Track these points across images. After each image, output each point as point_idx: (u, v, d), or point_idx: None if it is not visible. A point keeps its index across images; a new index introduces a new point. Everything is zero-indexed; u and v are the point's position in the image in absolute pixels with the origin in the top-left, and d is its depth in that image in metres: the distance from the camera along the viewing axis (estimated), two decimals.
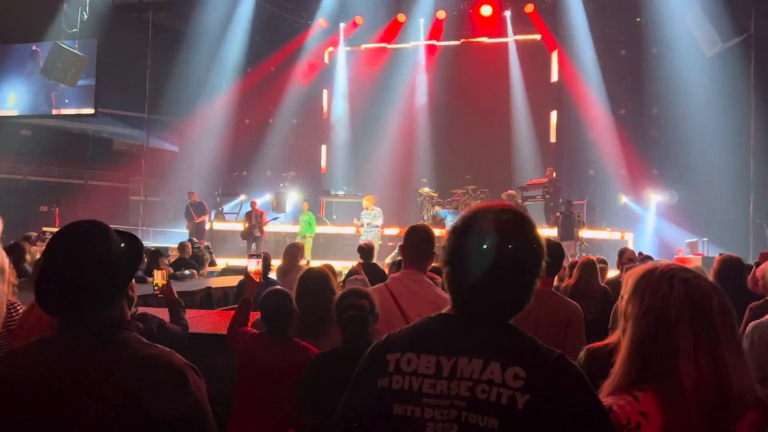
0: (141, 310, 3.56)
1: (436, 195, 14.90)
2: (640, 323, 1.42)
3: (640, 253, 8.06)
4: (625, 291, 1.48)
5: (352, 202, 16.13)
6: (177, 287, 4.10)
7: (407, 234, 3.02)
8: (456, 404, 1.28)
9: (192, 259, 8.97)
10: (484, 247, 1.35)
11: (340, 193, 16.49)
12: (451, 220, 12.45)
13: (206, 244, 11.54)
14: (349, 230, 13.94)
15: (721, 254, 4.29)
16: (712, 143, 13.09)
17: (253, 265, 3.24)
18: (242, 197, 14.62)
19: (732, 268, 4.03)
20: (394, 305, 2.91)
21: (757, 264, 4.05)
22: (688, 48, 12.55)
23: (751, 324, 2.89)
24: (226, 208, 14.93)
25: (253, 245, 12.70)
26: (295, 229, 13.89)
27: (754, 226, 11.52)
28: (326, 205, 15.84)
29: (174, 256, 9.49)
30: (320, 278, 3.27)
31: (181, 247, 8.99)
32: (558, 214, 12.26)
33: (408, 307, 3.06)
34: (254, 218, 13.10)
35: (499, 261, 1.34)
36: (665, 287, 1.41)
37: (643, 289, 1.44)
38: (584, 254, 10.96)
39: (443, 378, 1.31)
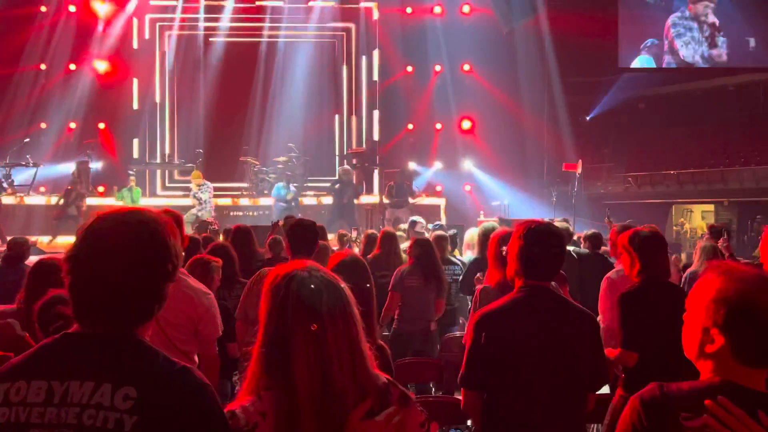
0: None
1: (258, 163, 14.57)
2: (265, 325, 1.46)
3: (441, 226, 8.51)
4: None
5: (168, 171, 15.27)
6: None
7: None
8: None
9: None
10: (100, 252, 1.29)
11: (157, 162, 15.50)
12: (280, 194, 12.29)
13: None
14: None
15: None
16: (514, 112, 14.20)
17: None
18: (35, 166, 13.02)
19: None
20: None
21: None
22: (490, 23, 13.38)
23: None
24: (17, 179, 13.20)
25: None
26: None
27: (546, 192, 12.79)
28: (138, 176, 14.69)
29: None
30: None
31: None
32: (391, 182, 12.59)
33: None
34: (74, 196, 11.71)
35: (115, 267, 1.28)
36: (284, 289, 1.44)
37: (269, 292, 1.47)
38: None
39: (53, 405, 1.23)
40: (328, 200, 13.46)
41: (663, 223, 15.02)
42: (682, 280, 5.11)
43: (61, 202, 11.72)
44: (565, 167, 11.33)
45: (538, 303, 2.36)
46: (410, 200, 12.58)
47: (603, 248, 5.62)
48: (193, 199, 11.95)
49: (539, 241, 2.34)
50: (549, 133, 13.90)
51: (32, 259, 4.89)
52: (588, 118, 15.87)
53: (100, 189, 14.25)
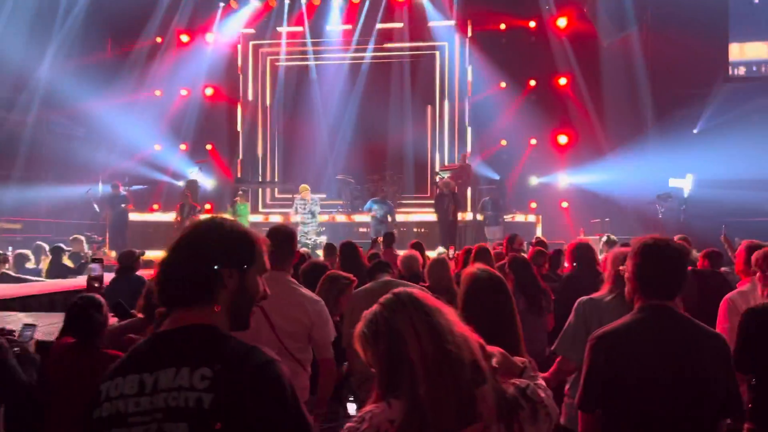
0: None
1: (353, 181, 14.90)
2: (378, 345, 1.58)
3: (537, 238, 8.36)
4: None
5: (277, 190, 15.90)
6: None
7: (268, 235, 2.96)
8: (156, 417, 1.33)
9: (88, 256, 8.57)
10: (177, 245, 1.49)
11: (259, 180, 16.27)
12: (377, 209, 12.36)
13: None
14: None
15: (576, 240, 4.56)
16: (615, 126, 13.70)
17: (94, 271, 3.12)
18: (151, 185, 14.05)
19: (585, 251, 4.29)
20: (259, 312, 2.82)
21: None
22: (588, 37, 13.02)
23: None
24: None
25: None
26: None
27: (650, 207, 12.17)
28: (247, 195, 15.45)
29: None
30: None
31: (75, 241, 8.50)
32: (486, 198, 12.46)
33: (272, 312, 3.00)
34: (187, 210, 12.18)
35: (182, 256, 1.47)
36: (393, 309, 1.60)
37: (375, 314, 1.62)
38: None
39: (146, 394, 1.35)
40: (418, 217, 13.61)
41: None
42: None
43: (178, 218, 12.46)
44: (672, 183, 10.75)
45: (659, 324, 2.23)
46: (505, 217, 12.35)
47: (723, 268, 5.28)
48: (304, 214, 12.09)
49: (656, 258, 2.25)
50: (654, 147, 13.26)
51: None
52: (695, 132, 14.97)
53: (207, 206, 15.12)
